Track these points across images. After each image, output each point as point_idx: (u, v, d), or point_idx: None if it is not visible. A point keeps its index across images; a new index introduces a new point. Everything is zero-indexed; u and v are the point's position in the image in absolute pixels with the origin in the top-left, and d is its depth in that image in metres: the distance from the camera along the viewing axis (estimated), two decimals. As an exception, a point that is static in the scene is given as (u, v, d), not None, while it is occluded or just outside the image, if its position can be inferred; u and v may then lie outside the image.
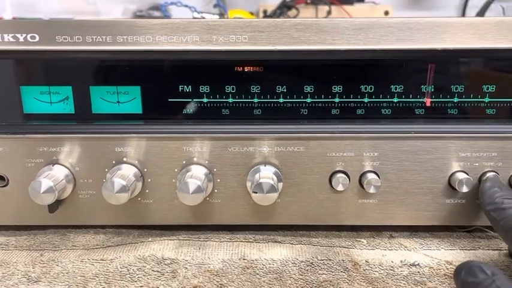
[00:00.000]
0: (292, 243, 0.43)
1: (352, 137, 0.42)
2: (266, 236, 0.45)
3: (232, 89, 0.43)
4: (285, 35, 0.40)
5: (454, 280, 0.33)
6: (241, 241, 0.44)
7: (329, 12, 1.32)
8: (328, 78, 0.43)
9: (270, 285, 0.37)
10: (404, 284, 0.37)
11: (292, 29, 0.40)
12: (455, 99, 0.43)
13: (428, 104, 0.43)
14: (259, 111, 0.43)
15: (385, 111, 0.44)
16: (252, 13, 1.34)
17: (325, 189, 0.44)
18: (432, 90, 0.43)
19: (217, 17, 1.33)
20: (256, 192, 0.40)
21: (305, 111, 0.43)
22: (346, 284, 0.37)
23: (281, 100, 0.43)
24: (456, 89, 0.43)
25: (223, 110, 0.43)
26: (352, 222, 0.45)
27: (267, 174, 0.41)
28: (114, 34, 0.40)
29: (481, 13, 1.18)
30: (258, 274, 0.38)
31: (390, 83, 0.43)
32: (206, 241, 0.44)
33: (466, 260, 0.34)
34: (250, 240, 0.44)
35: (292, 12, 1.32)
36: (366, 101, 0.43)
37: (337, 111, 0.43)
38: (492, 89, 0.43)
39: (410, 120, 0.43)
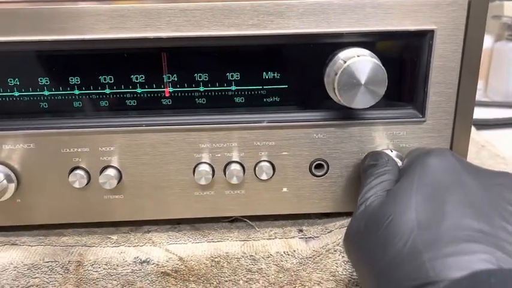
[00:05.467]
0: (30, 245, 0.41)
1: (87, 132, 0.40)
2: (8, 238, 0.43)
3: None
4: None
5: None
6: (-24, 245, 0.41)
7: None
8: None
9: (-34, 294, 0.35)
10: (114, 284, 0.36)
11: None
12: (202, 88, 0.42)
13: (167, 94, 0.42)
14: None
15: (129, 103, 0.42)
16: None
17: (67, 187, 0.42)
18: (173, 79, 0.41)
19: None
20: (-31, 196, 0.38)
21: (45, 105, 0.41)
22: (54, 287, 0.36)
23: (17, 94, 0.41)
24: (200, 77, 0.41)
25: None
26: (100, 219, 0.43)
27: (-11, 176, 0.39)
28: None
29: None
30: (-36, 282, 0.36)
31: (130, 73, 0.41)
32: None
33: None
34: (-13, 243, 0.42)
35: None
36: (107, 92, 0.41)
37: (79, 104, 0.41)
38: (237, 77, 0.42)
39: (154, 112, 0.42)
